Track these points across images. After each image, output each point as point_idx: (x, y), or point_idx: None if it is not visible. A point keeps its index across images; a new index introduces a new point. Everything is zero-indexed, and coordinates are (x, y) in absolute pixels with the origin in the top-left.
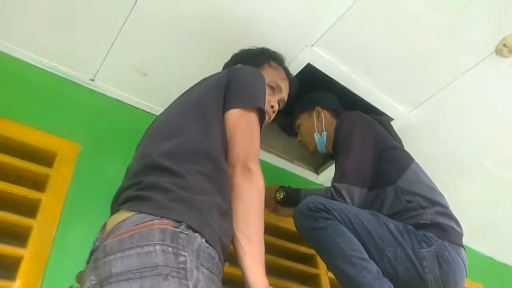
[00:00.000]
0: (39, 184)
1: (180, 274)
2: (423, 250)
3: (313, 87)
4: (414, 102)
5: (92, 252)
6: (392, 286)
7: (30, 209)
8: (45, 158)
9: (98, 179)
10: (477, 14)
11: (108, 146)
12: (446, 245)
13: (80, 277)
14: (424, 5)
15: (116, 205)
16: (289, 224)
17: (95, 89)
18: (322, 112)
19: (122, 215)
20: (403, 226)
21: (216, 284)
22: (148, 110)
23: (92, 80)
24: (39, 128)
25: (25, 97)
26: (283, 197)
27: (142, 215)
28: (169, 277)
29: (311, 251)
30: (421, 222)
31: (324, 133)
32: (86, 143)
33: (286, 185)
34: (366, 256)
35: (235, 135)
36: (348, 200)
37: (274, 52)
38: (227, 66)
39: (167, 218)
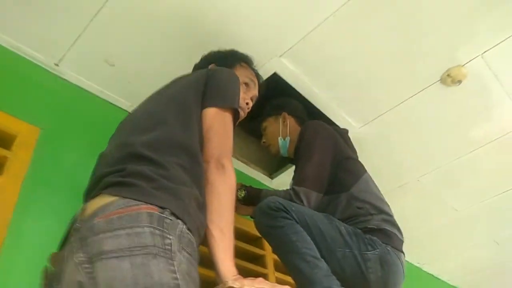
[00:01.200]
0: None
1: (167, 254)
2: (368, 252)
3: (277, 95)
4: (366, 118)
5: (69, 233)
6: (339, 284)
7: None
8: (4, 140)
9: (57, 165)
10: (428, 46)
11: (68, 133)
12: (389, 249)
13: (54, 259)
14: (384, 33)
15: (96, 190)
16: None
17: (59, 74)
18: (288, 118)
19: (105, 199)
20: (352, 230)
21: (195, 267)
22: (111, 101)
23: (57, 65)
24: None
25: None
26: (244, 196)
27: (126, 200)
28: (158, 256)
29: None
30: (368, 227)
31: (288, 138)
32: (46, 128)
33: (247, 185)
34: (318, 255)
35: (211, 132)
36: (305, 203)
37: (244, 54)
38: (197, 67)
39: (152, 204)
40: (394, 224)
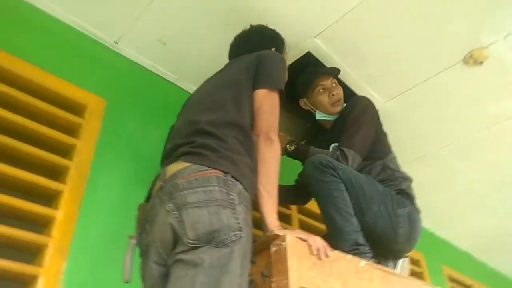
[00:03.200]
0: (71, 131)
1: (231, 206)
2: (399, 209)
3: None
4: (391, 94)
5: (152, 189)
6: (365, 240)
7: (64, 152)
8: (76, 109)
9: (122, 132)
10: (452, 28)
11: (128, 104)
12: (414, 209)
13: (142, 207)
14: (411, 17)
15: (173, 157)
16: None
17: (118, 51)
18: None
19: (181, 164)
20: (387, 190)
21: (250, 216)
22: (163, 76)
23: (116, 42)
24: (70, 81)
25: (55, 51)
26: (294, 149)
27: (198, 165)
28: (226, 207)
29: None
30: (399, 188)
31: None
32: (111, 99)
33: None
34: (352, 212)
35: (261, 110)
36: (350, 163)
37: (284, 40)
38: (249, 42)
39: (217, 169)
40: (413, 191)
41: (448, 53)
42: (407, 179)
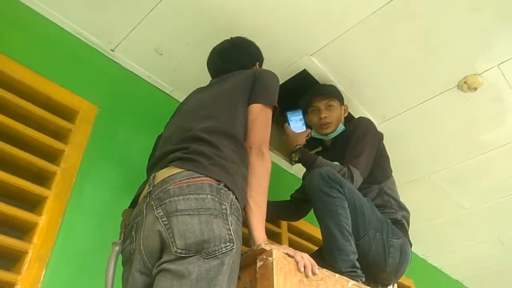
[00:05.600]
0: (60, 136)
1: (223, 216)
2: (393, 239)
3: (304, 90)
4: (384, 116)
5: (139, 195)
6: (359, 264)
7: (52, 157)
8: (68, 115)
9: (113, 139)
10: (448, 54)
11: (120, 112)
12: (407, 241)
13: (126, 213)
14: (407, 40)
15: (163, 163)
16: None
17: (114, 59)
18: (346, 111)
19: (173, 170)
20: (384, 218)
21: (240, 228)
22: (158, 86)
23: (113, 50)
24: (63, 86)
25: (50, 55)
26: (298, 159)
27: (191, 172)
28: (217, 217)
29: None
30: (395, 218)
31: (343, 127)
32: (103, 106)
33: (303, 148)
34: (351, 233)
35: (255, 124)
36: (354, 182)
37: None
38: (236, 58)
39: (211, 177)
40: (408, 222)
41: (443, 78)
42: (403, 209)
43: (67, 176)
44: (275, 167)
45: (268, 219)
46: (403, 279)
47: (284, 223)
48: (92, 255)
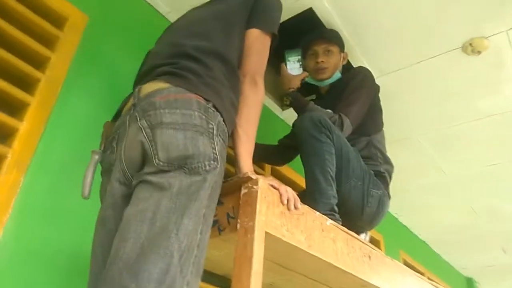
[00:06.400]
0: (48, 42)
1: (209, 135)
2: (373, 190)
3: (306, 29)
4: (383, 70)
5: (123, 108)
6: (337, 209)
7: (37, 63)
8: (56, 21)
9: (101, 52)
10: (457, 12)
11: (111, 26)
12: (386, 194)
13: (108, 125)
14: None
15: (149, 76)
16: None
17: None
18: (345, 59)
19: (159, 84)
20: (367, 169)
21: (225, 151)
22: (154, 6)
23: None
24: None
25: None
26: (290, 103)
27: (178, 88)
28: (204, 135)
29: None
30: (378, 170)
31: (339, 74)
32: (94, 17)
33: (296, 92)
34: (335, 178)
35: (251, 51)
36: (343, 130)
37: None
38: None
39: (199, 95)
40: (391, 176)
41: (448, 37)
42: (388, 163)
43: (52, 84)
44: (265, 110)
45: (254, 161)
46: (374, 234)
47: (268, 167)
48: (73, 166)
